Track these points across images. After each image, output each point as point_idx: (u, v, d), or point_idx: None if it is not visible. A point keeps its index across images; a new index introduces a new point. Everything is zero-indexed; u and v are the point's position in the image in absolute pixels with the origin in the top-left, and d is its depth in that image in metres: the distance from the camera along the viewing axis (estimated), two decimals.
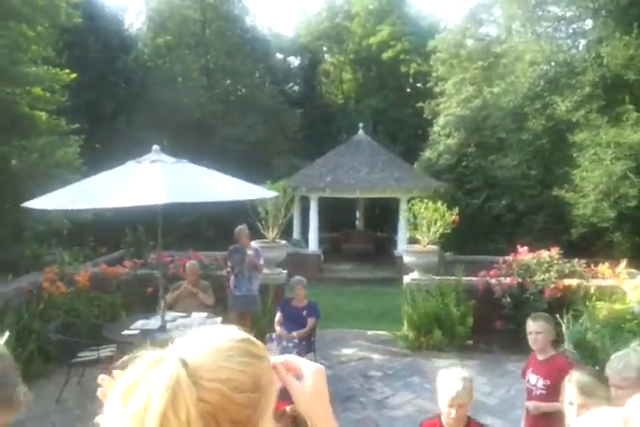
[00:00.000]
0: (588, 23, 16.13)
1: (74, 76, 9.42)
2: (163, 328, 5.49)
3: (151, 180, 4.47)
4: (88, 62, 15.53)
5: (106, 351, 5.84)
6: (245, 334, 0.89)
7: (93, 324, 6.65)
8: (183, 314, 6.09)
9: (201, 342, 0.84)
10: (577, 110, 13.77)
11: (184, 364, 0.77)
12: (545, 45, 15.21)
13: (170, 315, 5.92)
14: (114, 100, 16.76)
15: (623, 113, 12.93)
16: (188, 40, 21.04)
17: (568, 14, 16.06)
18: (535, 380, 3.60)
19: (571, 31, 16.58)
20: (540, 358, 3.62)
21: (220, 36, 21.47)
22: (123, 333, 5.51)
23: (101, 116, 16.23)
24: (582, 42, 16.33)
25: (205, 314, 6.15)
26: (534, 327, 3.60)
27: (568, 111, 13.88)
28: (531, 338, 3.61)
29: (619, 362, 2.37)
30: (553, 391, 3.15)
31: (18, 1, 7.95)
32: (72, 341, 5.94)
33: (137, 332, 5.52)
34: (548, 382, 3.48)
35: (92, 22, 15.52)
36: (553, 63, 15.46)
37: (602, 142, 12.94)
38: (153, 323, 5.73)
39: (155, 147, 5.17)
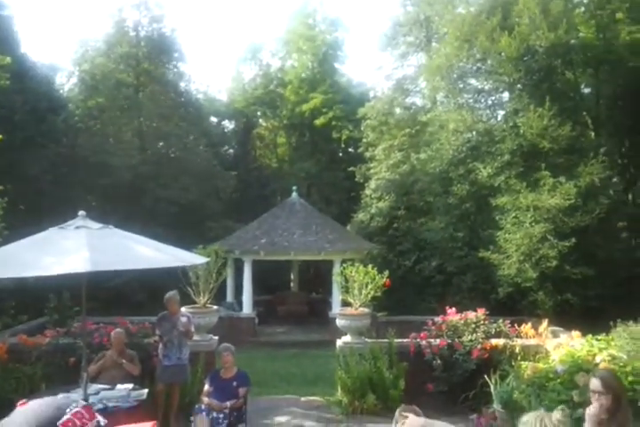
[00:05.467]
0: (505, 95, 17.44)
1: None
2: (85, 402, 5.19)
3: (74, 247, 4.36)
4: (15, 123, 15.26)
5: None
6: None
7: (9, 399, 6.19)
8: (107, 386, 5.80)
9: None
10: (498, 176, 14.61)
11: None
12: (466, 115, 16.25)
13: (93, 387, 5.61)
14: (41, 161, 16.39)
15: (540, 179, 13.81)
16: (121, 103, 21.09)
17: (487, 87, 17.32)
18: None
19: (490, 102, 17.84)
20: None
21: (153, 100, 21.65)
22: None
23: (27, 177, 15.80)
24: (500, 113, 17.60)
25: (131, 386, 5.87)
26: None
27: (490, 177, 14.69)
28: None
29: None
30: None
31: None
32: None
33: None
34: None
35: (21, 83, 15.38)
36: (474, 132, 16.46)
37: (522, 206, 13.71)
38: (74, 397, 5.40)
39: (81, 212, 5.07)
